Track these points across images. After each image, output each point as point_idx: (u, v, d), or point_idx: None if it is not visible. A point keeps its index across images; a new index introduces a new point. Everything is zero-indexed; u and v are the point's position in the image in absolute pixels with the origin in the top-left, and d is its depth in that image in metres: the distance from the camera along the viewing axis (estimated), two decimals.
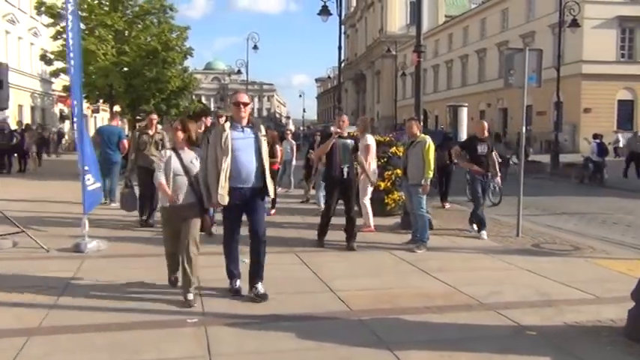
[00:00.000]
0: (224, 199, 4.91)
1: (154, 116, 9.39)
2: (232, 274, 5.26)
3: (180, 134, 5.08)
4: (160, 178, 5.00)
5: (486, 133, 9.06)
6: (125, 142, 11.44)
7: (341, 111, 23.61)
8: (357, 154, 7.71)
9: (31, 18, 35.27)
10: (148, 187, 8.11)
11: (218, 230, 6.00)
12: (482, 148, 8.77)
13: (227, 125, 5.06)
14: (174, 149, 5.13)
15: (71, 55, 7.08)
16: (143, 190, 8.66)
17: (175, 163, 5.02)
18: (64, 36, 7.30)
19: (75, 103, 7.15)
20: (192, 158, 5.09)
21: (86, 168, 7.23)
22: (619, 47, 35.60)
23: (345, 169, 7.46)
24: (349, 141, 7.61)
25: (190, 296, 4.92)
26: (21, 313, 4.65)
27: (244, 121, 5.09)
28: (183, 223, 5.01)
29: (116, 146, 11.27)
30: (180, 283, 5.19)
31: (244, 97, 5.15)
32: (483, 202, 8.93)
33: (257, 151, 5.05)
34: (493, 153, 9.04)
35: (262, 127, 5.27)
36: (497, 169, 9.26)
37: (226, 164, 4.90)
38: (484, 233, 8.51)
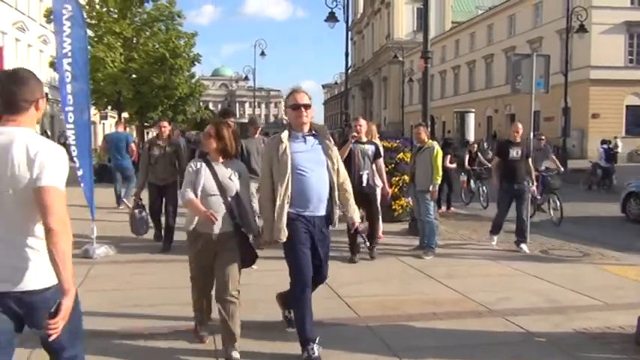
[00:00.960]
0: (282, 233, 3.83)
1: (164, 123, 8.17)
2: (307, 336, 3.87)
3: (213, 142, 3.89)
4: (189, 194, 3.82)
5: (519, 138, 8.24)
6: (133, 145, 11.62)
7: (349, 116, 23.65)
8: (377, 161, 7.35)
9: (41, 26, 35.60)
10: (160, 207, 7.77)
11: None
12: (514, 153, 8.05)
13: (284, 135, 3.94)
14: (207, 161, 3.93)
15: (64, 62, 7.02)
16: (155, 211, 7.83)
17: (208, 179, 3.84)
18: (65, 43, 7.16)
19: (69, 110, 7.07)
20: (229, 173, 3.89)
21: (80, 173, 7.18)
22: (627, 52, 35.44)
23: (365, 177, 7.06)
24: (368, 146, 7.17)
25: (235, 355, 3.82)
26: None
27: (306, 128, 3.98)
28: (217, 258, 3.86)
29: (125, 151, 11.49)
30: (207, 339, 4.20)
31: (304, 98, 3.96)
32: (529, 213, 8.31)
33: (326, 167, 3.96)
34: (529, 159, 8.34)
35: (329, 134, 4.22)
36: (534, 178, 8.51)
37: (284, 187, 3.82)
38: (495, 238, 8.29)
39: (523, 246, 7.99)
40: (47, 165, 2.26)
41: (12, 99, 2.37)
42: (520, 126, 8.36)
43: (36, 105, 2.43)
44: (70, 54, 6.96)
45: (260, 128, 7.71)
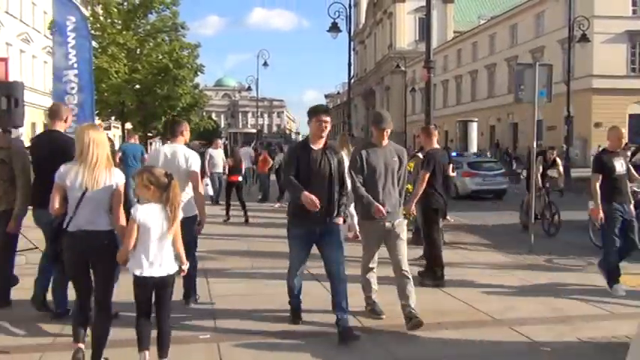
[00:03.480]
0: None
1: None
2: None
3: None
4: None
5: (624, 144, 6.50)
6: (147, 156, 11.78)
7: (351, 126, 23.71)
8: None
9: (45, 37, 35.84)
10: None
11: None
12: (620, 166, 6.17)
13: None
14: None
15: (70, 73, 7.08)
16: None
17: None
18: (71, 54, 7.22)
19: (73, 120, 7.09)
20: None
21: None
22: (629, 61, 35.51)
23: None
24: None
25: None
26: (34, 328, 4.69)
27: None
28: None
29: (140, 163, 11.69)
30: None
31: None
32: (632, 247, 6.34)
33: None
34: (632, 170, 6.48)
35: None
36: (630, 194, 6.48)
37: None
38: (618, 288, 6.05)
39: (618, 286, 6.12)
40: (194, 161, 5.16)
41: (174, 131, 5.41)
42: (623, 131, 6.52)
43: (182, 133, 5.40)
44: (75, 65, 7.04)
45: (389, 131, 5.12)
